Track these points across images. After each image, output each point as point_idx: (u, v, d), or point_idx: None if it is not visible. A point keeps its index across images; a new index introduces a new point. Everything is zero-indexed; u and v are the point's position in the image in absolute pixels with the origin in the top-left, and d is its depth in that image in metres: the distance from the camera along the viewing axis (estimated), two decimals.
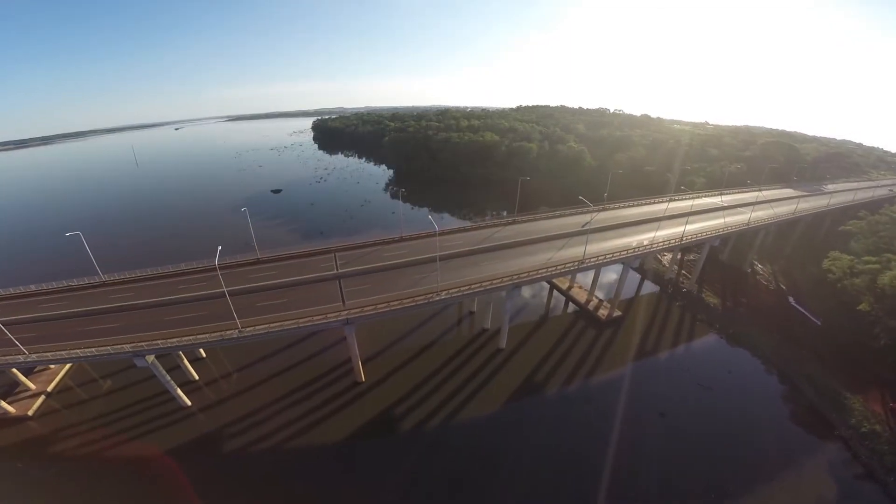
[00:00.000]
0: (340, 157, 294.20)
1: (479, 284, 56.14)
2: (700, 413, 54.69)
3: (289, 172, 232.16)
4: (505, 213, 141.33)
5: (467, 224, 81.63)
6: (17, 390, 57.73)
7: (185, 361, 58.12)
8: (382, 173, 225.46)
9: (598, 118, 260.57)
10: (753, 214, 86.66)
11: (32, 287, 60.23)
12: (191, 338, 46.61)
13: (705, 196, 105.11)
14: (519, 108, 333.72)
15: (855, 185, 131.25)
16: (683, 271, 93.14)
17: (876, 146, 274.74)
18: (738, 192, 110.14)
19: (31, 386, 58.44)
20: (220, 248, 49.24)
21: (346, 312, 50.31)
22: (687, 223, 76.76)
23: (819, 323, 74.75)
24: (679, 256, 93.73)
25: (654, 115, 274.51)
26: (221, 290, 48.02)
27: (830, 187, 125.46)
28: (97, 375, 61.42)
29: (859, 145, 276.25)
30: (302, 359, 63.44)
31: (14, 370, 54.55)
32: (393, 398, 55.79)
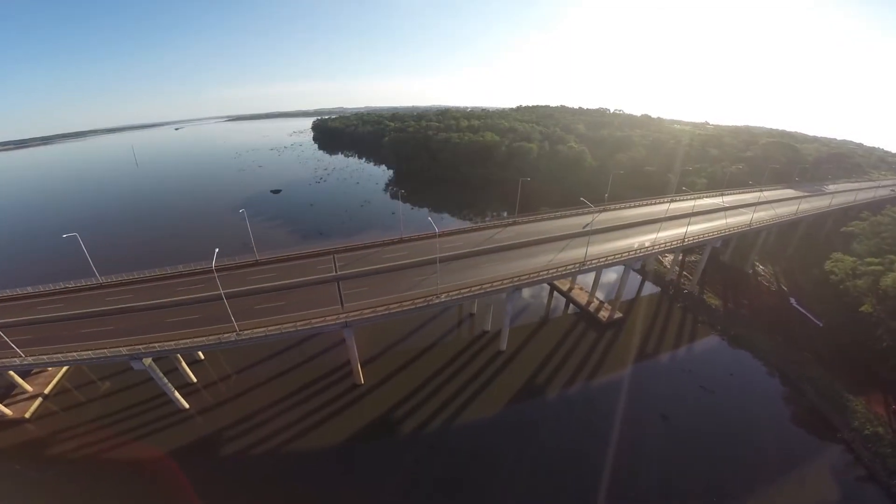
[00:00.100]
0: (340, 157, 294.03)
1: (479, 287, 55.73)
2: (702, 415, 54.37)
3: (288, 173, 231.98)
4: (505, 214, 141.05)
5: (467, 225, 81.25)
6: (13, 392, 57.36)
7: (184, 364, 57.77)
8: (382, 173, 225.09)
9: (598, 118, 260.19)
10: (755, 215, 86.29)
11: (29, 289, 59.91)
12: (188, 341, 46.25)
13: (706, 197, 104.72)
14: (519, 109, 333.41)
15: (856, 185, 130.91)
16: (685, 272, 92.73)
17: (876, 146, 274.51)
18: (740, 193, 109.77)
19: (28, 388, 58.09)
20: (216, 250, 48.86)
21: (344, 315, 49.90)
22: (689, 224, 76.38)
23: (821, 324, 74.39)
24: (680, 257, 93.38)
25: (654, 115, 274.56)
26: (219, 292, 47.64)
27: (832, 188, 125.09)
28: (95, 377, 61.07)
29: (860, 145, 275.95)
30: (301, 361, 63.07)
31: (11, 372, 54.10)
32: (392, 401, 55.41)
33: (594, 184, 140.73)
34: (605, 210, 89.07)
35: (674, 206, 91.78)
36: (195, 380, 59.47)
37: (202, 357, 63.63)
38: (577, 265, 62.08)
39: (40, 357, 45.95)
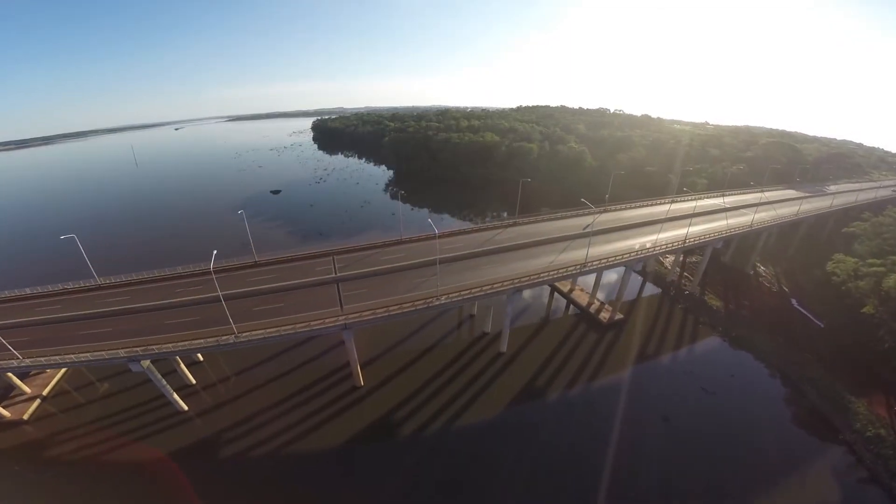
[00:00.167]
0: (340, 157, 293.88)
1: (479, 289, 55.43)
2: (703, 416, 54.19)
3: (288, 173, 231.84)
4: (505, 214, 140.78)
5: (468, 226, 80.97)
6: (12, 394, 57.20)
7: (182, 366, 57.57)
8: (382, 174, 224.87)
9: (598, 118, 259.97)
10: (756, 216, 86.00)
11: (28, 290, 59.63)
12: (186, 343, 46.01)
13: (707, 197, 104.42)
14: (519, 109, 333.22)
15: (857, 185, 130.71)
16: (686, 273, 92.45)
17: (876, 146, 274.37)
18: (741, 194, 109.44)
19: (27, 389, 57.89)
20: (215, 252, 48.63)
21: (344, 317, 49.60)
22: (690, 225, 76.11)
23: (822, 325, 74.18)
24: (681, 258, 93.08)
25: (654, 115, 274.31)
26: (218, 294, 47.36)
27: (833, 188, 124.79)
28: (93, 379, 60.90)
29: (860, 145, 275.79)
30: (300, 363, 62.82)
31: (9, 374, 53.91)
32: (392, 403, 55.17)
33: (594, 184, 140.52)
34: (605, 211, 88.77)
35: (675, 206, 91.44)
36: (194, 381, 59.27)
37: (201, 359, 63.39)
38: (578, 267, 61.80)
39: (38, 359, 45.71)
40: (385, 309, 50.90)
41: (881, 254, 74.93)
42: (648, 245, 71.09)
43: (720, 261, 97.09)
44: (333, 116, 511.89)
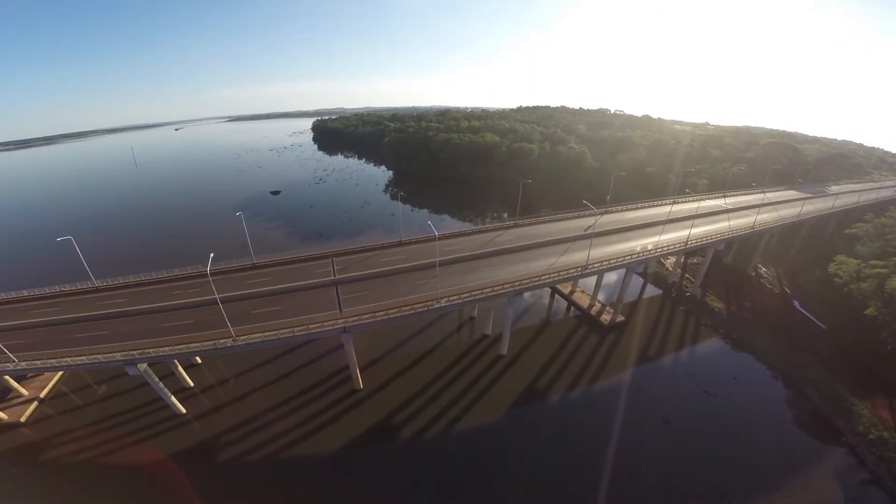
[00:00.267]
0: (340, 157, 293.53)
1: (480, 291, 54.97)
2: (704, 419, 53.90)
3: (288, 173, 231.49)
4: (506, 215, 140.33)
5: (468, 227, 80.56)
6: (9, 396, 56.93)
7: (180, 368, 57.22)
8: (382, 174, 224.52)
9: (598, 119, 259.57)
10: (758, 217, 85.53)
11: (25, 292, 59.22)
12: (183, 346, 45.61)
13: (709, 198, 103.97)
14: (519, 109, 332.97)
15: (858, 186, 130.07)
16: (687, 275, 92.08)
17: (877, 146, 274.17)
18: (742, 195, 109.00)
19: (24, 392, 57.57)
20: (212, 255, 48.27)
21: (343, 321, 49.20)
22: (691, 227, 75.69)
23: (823, 327, 73.82)
24: (682, 260, 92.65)
25: (654, 115, 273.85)
26: (215, 297, 46.93)
27: (834, 189, 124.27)
28: (91, 381, 60.54)
29: (860, 146, 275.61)
30: (299, 365, 62.44)
31: (6, 377, 53.48)
32: (392, 406, 54.81)
33: (595, 184, 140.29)
34: (606, 212, 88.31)
35: (676, 207, 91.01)
36: (192, 384, 58.95)
37: (199, 361, 63.04)
38: (579, 269, 61.39)
39: (34, 362, 45.39)
40: (385, 312, 50.46)
41: (884, 255, 74.59)
42: (650, 247, 70.66)
43: (722, 262, 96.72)
44: (333, 117, 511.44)
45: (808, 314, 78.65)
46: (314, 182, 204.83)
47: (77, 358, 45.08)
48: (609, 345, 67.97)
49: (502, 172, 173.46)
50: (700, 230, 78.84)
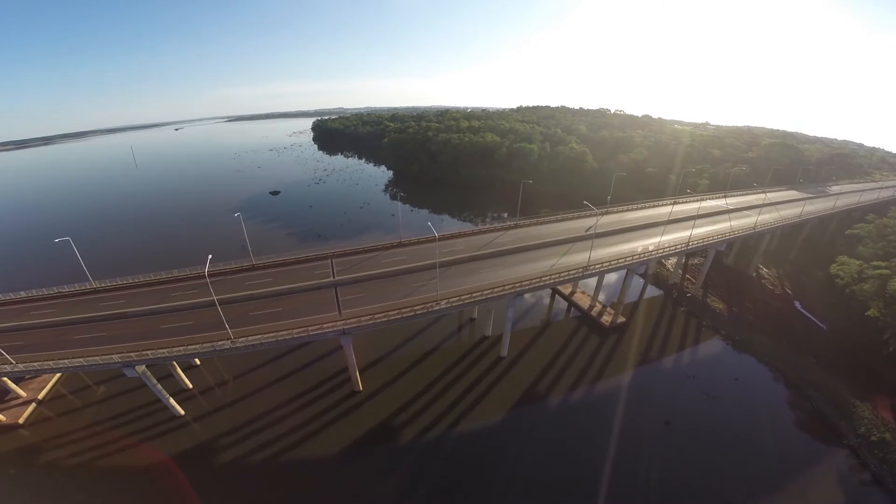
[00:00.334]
0: (340, 158, 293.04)
1: (480, 293, 54.68)
2: (706, 421, 53.70)
3: (287, 173, 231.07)
4: (506, 216, 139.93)
5: (468, 228, 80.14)
6: (7, 398, 56.68)
7: (179, 370, 56.88)
8: (382, 174, 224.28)
9: (599, 119, 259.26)
10: (759, 218, 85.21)
11: (22, 294, 58.94)
12: (181, 348, 45.35)
13: (710, 199, 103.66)
14: (519, 109, 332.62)
15: (860, 186, 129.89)
16: (688, 275, 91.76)
17: (877, 147, 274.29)
18: (743, 195, 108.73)
19: (22, 393, 57.35)
20: (210, 256, 47.98)
21: (342, 323, 48.92)
22: (693, 227, 75.34)
23: (825, 328, 73.54)
24: (683, 261, 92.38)
25: (654, 115, 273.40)
26: (213, 298, 46.61)
27: (835, 189, 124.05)
28: (90, 382, 60.37)
29: (860, 146, 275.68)
30: (298, 367, 62.18)
31: (3, 378, 53.30)
32: (391, 408, 54.54)
33: (595, 185, 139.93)
34: (607, 213, 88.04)
35: (677, 208, 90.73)
36: (191, 386, 58.71)
37: (198, 362, 62.81)
38: (580, 270, 61.13)
39: (31, 364, 45.16)
40: (384, 314, 50.20)
41: (886, 256, 74.42)
42: (651, 248, 70.36)
43: (722, 263, 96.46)
44: (333, 117, 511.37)
45: (809, 315, 78.43)
46: (314, 182, 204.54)
47: (74, 360, 44.81)
48: (610, 346, 67.69)
49: (502, 173, 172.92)
50: (701, 231, 78.53)
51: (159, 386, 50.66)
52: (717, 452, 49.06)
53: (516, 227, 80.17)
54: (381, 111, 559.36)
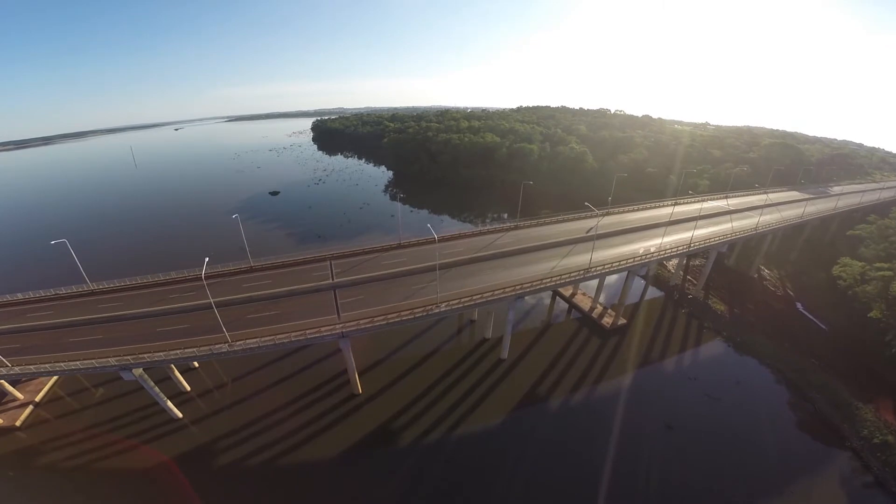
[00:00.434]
0: (340, 158, 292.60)
1: (480, 295, 54.29)
2: (707, 424, 53.36)
3: (287, 174, 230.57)
4: (506, 216, 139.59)
5: (468, 229, 79.73)
6: (4, 400, 56.33)
7: (177, 373, 56.49)
8: (382, 175, 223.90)
9: (599, 119, 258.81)
10: (761, 218, 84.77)
11: (20, 295, 58.60)
12: (178, 351, 45.01)
13: (711, 200, 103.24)
14: (519, 109, 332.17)
15: (861, 187, 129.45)
16: (689, 277, 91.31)
17: (877, 147, 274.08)
18: (744, 195, 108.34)
19: (19, 396, 57.03)
20: (206, 259, 47.63)
21: (341, 326, 48.49)
22: (695, 228, 74.95)
23: (826, 329, 73.26)
24: (685, 262, 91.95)
25: (654, 115, 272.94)
26: (212, 301, 46.24)
27: (836, 189, 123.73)
28: (88, 384, 60.00)
29: (860, 146, 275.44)
30: (297, 369, 61.81)
31: (0, 381, 52.86)
32: (391, 411, 54.13)
33: (596, 185, 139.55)
34: (608, 214, 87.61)
35: (678, 209, 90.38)
36: (189, 388, 58.32)
37: (196, 365, 62.30)
38: (582, 272, 60.76)
39: (27, 367, 44.79)
40: (383, 317, 49.79)
41: (888, 258, 74.02)
42: (653, 249, 69.94)
43: (724, 264, 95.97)
44: (333, 117, 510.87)
45: (811, 317, 78.07)
46: (313, 182, 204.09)
47: (71, 363, 44.48)
48: (611, 348, 67.30)
49: (502, 173, 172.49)
50: (703, 232, 78.15)
51: (157, 389, 50.23)
52: (719, 454, 48.76)
53: (517, 228, 79.77)
54: (381, 111, 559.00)
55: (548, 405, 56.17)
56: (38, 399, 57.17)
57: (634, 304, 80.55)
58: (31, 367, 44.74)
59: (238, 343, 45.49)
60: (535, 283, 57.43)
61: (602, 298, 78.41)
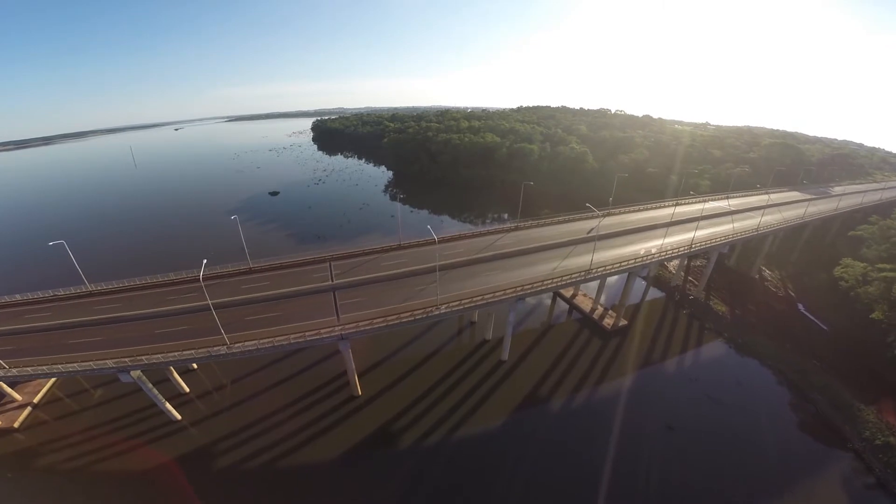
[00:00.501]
0: (339, 158, 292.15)
1: (481, 297, 53.96)
2: (709, 425, 53.14)
3: (287, 174, 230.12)
4: (506, 216, 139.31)
5: (468, 230, 79.41)
6: (2, 402, 56.09)
7: (175, 374, 56.22)
8: (382, 175, 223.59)
9: (599, 119, 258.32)
10: (762, 219, 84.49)
11: (17, 297, 58.34)
12: (176, 354, 44.72)
13: (712, 200, 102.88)
14: (519, 109, 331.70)
15: (862, 187, 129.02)
16: (690, 277, 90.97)
17: (877, 147, 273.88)
18: (746, 196, 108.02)
19: (17, 397, 56.77)
20: (205, 261, 47.38)
21: (340, 328, 48.16)
22: (696, 229, 74.64)
23: (827, 330, 73.02)
24: (686, 262, 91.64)
25: (655, 115, 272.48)
26: (208, 302, 45.97)
27: (837, 190, 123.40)
28: (87, 386, 59.73)
29: (860, 146, 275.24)
30: (297, 371, 61.53)
31: None
32: (390, 413, 53.85)
33: (596, 185, 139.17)
34: (609, 214, 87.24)
35: (679, 209, 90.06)
36: (188, 390, 58.07)
37: (195, 366, 61.99)
38: (583, 273, 60.44)
39: (25, 369, 44.48)
40: (383, 318, 49.48)
41: (891, 259, 73.73)
42: (654, 250, 69.62)
43: (725, 264, 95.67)
44: (333, 117, 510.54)
45: (812, 318, 77.82)
46: (313, 183, 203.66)
47: (69, 365, 44.22)
48: (612, 349, 67.03)
49: (503, 173, 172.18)
50: (704, 233, 77.78)
51: (155, 391, 49.97)
52: (720, 455, 48.60)
53: (517, 229, 79.41)
54: (381, 111, 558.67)
55: (548, 407, 55.89)
56: (36, 400, 56.94)
57: (635, 305, 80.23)
58: (29, 369, 44.40)
59: (237, 345, 45.20)
60: (535, 285, 57.10)
61: (603, 299, 78.11)
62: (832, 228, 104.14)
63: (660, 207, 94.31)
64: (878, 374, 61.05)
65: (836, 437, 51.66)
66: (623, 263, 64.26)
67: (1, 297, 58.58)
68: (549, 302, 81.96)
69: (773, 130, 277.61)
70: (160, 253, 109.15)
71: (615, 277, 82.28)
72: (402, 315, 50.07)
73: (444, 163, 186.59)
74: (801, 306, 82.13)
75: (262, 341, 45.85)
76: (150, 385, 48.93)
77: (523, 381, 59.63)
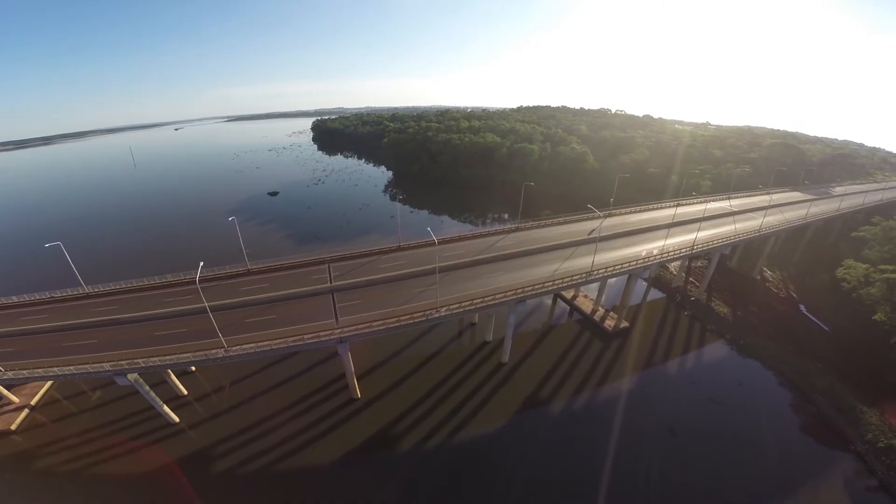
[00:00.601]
0: (339, 158, 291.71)
1: (481, 299, 53.54)
2: (710, 427, 52.88)
3: (286, 174, 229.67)
4: (506, 217, 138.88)
5: (468, 231, 78.93)
6: None
7: (173, 377, 55.73)
8: (381, 175, 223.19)
9: (599, 119, 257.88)
10: (764, 220, 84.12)
11: (14, 298, 57.99)
12: (174, 356, 44.31)
13: (713, 200, 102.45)
14: (520, 109, 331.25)
15: (863, 187, 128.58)
16: (691, 279, 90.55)
17: (878, 147, 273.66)
18: (747, 196, 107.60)
19: (15, 399, 56.49)
20: (201, 263, 47.02)
21: (339, 331, 47.70)
22: (698, 230, 74.22)
23: (828, 331, 72.65)
24: (687, 264, 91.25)
25: (655, 115, 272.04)
26: (209, 304, 45.58)
27: (839, 190, 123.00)
28: (84, 388, 59.38)
29: (861, 146, 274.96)
30: (296, 373, 61.15)
31: None
32: (390, 416, 53.50)
33: (597, 185, 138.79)
34: (610, 215, 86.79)
35: (680, 210, 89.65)
36: (185, 392, 57.66)
37: (193, 368, 61.62)
38: (584, 275, 60.01)
39: (21, 372, 44.17)
40: (382, 321, 49.03)
41: (893, 259, 73.32)
42: (655, 251, 69.24)
43: (726, 265, 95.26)
44: (333, 117, 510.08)
45: (814, 319, 77.46)
46: (312, 183, 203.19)
47: (65, 367, 43.82)
48: (613, 351, 66.69)
49: (503, 173, 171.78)
50: (705, 234, 77.40)
51: (152, 393, 49.65)
52: (720, 456, 48.39)
53: (517, 230, 78.95)
54: (381, 111, 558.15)
55: (549, 409, 55.56)
56: (33, 402, 56.59)
57: (636, 307, 79.80)
58: (25, 371, 44.07)
59: (234, 348, 44.81)
60: (536, 287, 56.67)
61: (604, 301, 77.73)
62: (834, 229, 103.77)
63: (661, 208, 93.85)
64: (880, 375, 60.65)
65: (838, 438, 51.43)
66: (624, 265, 63.85)
67: None
68: (549, 303, 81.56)
69: (773, 130, 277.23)
70: (160, 253, 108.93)
71: (616, 279, 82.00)
72: (401, 318, 49.67)
73: (444, 163, 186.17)
74: (802, 307, 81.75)
75: (260, 344, 45.45)
76: (148, 388, 48.59)
77: (524, 383, 59.27)
